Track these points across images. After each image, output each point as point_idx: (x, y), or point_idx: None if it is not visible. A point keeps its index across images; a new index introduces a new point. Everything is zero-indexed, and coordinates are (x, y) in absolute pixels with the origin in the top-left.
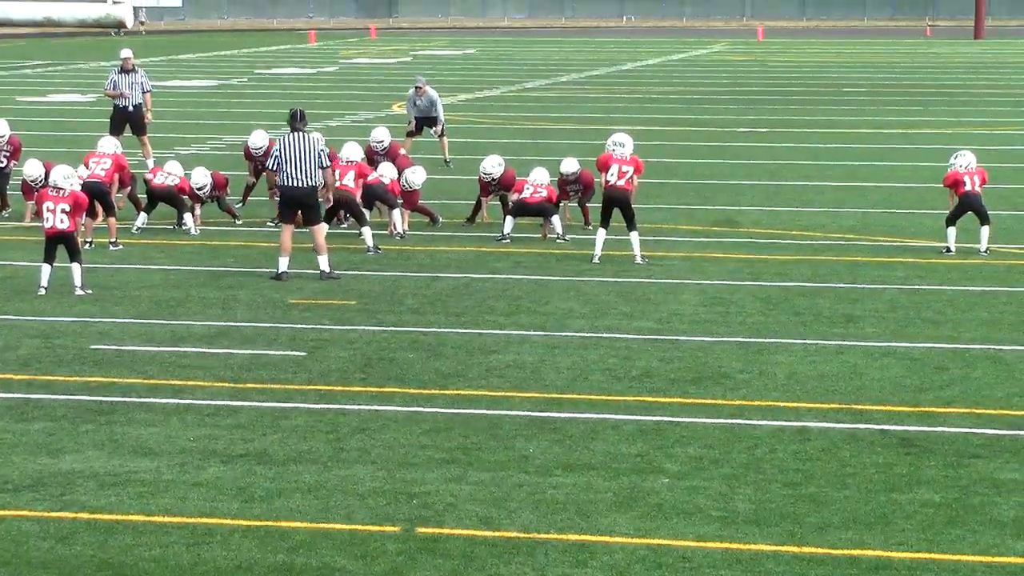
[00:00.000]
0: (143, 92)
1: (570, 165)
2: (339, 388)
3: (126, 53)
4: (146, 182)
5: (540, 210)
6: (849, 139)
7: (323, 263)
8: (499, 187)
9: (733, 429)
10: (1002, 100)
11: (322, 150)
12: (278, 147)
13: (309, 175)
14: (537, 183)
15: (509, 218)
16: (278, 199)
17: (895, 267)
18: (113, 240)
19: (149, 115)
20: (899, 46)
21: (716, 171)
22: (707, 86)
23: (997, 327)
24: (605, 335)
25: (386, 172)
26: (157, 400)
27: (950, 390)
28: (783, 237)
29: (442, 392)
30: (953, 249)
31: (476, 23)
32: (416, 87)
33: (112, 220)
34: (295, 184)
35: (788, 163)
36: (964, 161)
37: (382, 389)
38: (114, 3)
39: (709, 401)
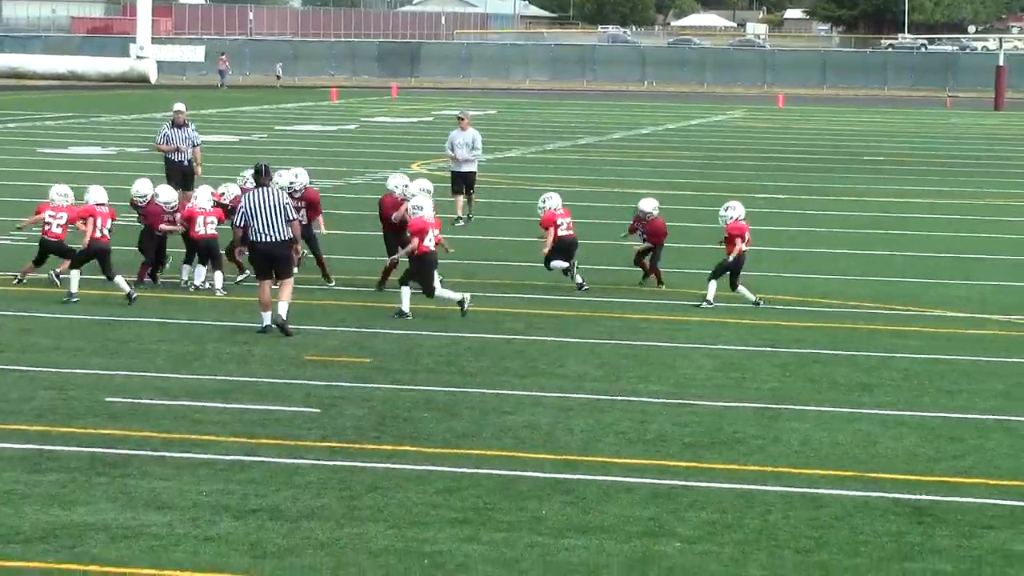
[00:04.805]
0: (193, 146)
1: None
2: (353, 445)
3: (179, 107)
4: (187, 235)
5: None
6: (867, 207)
7: (283, 308)
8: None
9: (746, 495)
10: (1020, 172)
11: (287, 203)
12: (244, 203)
13: (278, 229)
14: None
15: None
16: (246, 255)
17: (911, 336)
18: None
19: (199, 169)
20: (919, 116)
21: None
22: (727, 151)
23: (1012, 398)
24: (620, 398)
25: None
26: (171, 454)
27: (964, 460)
28: (800, 304)
29: (456, 451)
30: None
31: (498, 84)
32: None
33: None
34: (265, 239)
35: (806, 230)
36: None
37: (396, 447)
38: (138, 58)
39: (723, 466)
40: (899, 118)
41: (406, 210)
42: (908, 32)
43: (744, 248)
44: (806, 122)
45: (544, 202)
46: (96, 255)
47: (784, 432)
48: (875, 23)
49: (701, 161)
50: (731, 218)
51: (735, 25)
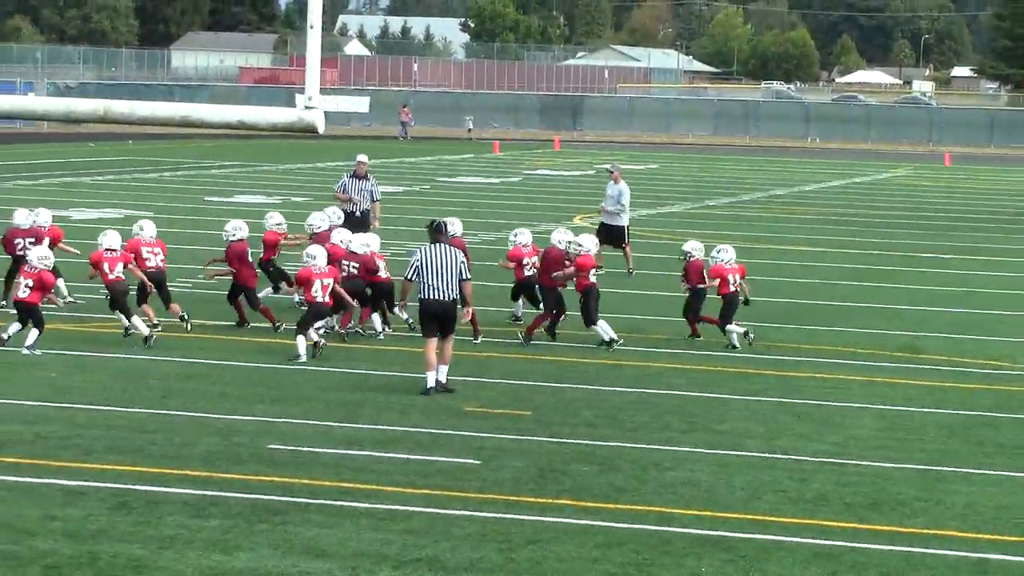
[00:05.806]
0: (372, 200)
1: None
2: (512, 498)
3: (362, 158)
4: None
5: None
6: None
7: (443, 373)
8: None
9: (909, 557)
10: None
11: (462, 263)
12: (418, 258)
13: (450, 287)
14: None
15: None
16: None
17: None
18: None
19: (376, 223)
20: None
21: (898, 296)
22: (890, 210)
23: None
24: (781, 456)
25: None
26: (332, 502)
27: None
28: (966, 365)
29: (615, 506)
30: None
31: (660, 138)
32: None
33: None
34: (436, 296)
35: (972, 291)
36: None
37: (555, 500)
38: (306, 108)
39: (885, 528)
40: None
41: (565, 265)
42: None
43: (737, 289)
44: (973, 181)
45: (516, 236)
46: (117, 295)
47: (948, 495)
48: None
49: (863, 219)
50: (720, 260)
51: (900, 82)
